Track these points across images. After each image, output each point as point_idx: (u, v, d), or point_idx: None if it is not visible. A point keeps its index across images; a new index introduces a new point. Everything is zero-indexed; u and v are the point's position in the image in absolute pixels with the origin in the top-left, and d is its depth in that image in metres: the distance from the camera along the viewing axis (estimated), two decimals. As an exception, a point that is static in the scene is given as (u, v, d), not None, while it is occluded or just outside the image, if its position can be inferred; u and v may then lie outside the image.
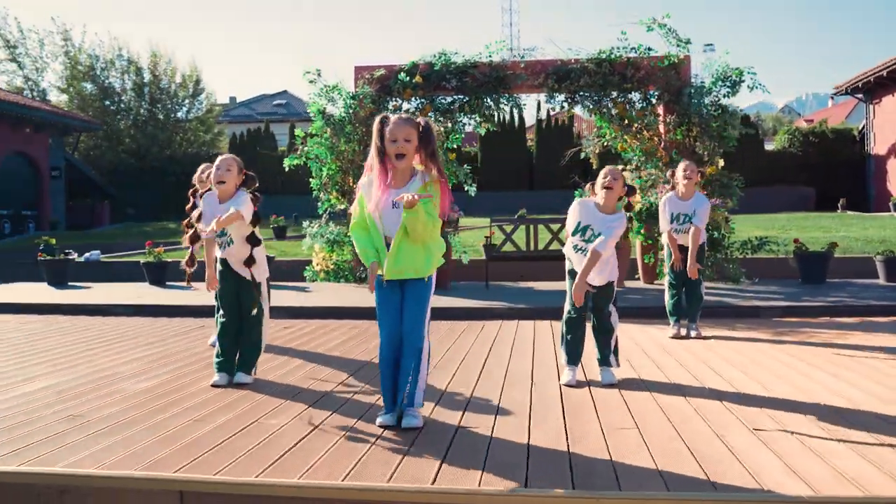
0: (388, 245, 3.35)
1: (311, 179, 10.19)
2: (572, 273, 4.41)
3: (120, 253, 15.09)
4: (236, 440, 3.19)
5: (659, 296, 6.86)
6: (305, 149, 10.04)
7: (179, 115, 31.82)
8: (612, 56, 9.71)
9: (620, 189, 4.25)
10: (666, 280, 6.26)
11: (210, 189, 4.42)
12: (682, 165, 6.08)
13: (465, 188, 10.20)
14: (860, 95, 25.43)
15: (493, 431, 3.31)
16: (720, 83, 9.46)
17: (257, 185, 4.48)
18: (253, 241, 4.36)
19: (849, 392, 4.01)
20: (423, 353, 3.42)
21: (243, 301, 4.36)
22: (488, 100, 10.04)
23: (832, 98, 43.85)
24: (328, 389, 4.22)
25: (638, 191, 9.58)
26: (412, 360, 3.37)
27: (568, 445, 3.09)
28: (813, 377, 4.42)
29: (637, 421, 3.47)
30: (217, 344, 4.41)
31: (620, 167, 9.86)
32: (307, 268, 10.68)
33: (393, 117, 3.35)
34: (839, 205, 23.02)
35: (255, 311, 4.35)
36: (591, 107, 9.98)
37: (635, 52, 9.75)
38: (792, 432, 3.23)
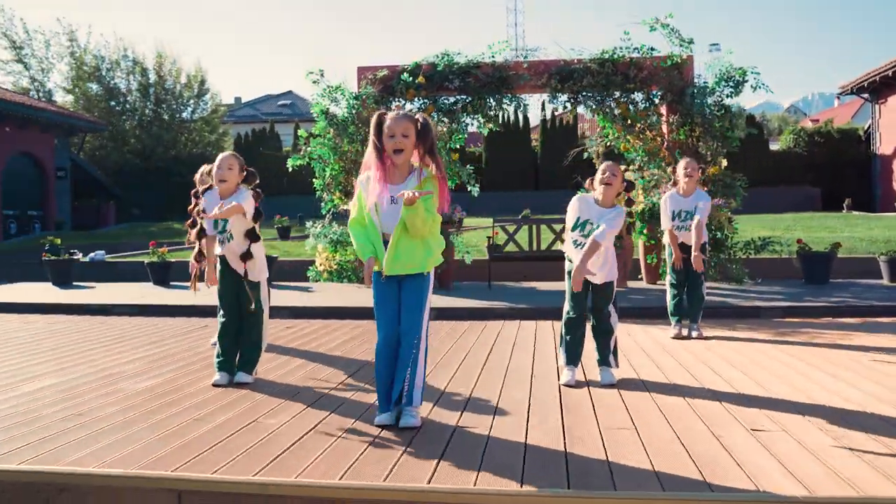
0: (385, 242, 3.36)
1: (314, 180, 10.22)
2: (571, 274, 4.41)
3: (125, 253, 15.15)
4: (235, 439, 3.21)
5: (661, 296, 6.87)
6: (308, 149, 10.07)
7: (184, 115, 31.89)
8: (615, 56, 9.71)
9: (619, 185, 4.27)
10: (667, 280, 6.26)
11: (211, 187, 4.43)
12: (682, 163, 6.08)
13: (469, 188, 10.22)
14: (866, 95, 25.32)
15: (490, 431, 3.32)
16: (723, 83, 9.45)
17: (258, 181, 4.49)
18: (252, 236, 4.38)
19: (847, 392, 4.01)
20: (421, 350, 3.42)
21: (243, 301, 4.38)
22: (491, 100, 10.05)
23: (838, 98, 43.67)
24: (328, 389, 4.24)
25: (637, 186, 9.59)
26: (409, 358, 3.37)
27: (565, 445, 3.09)
28: (812, 377, 4.41)
29: (635, 421, 3.47)
30: (217, 344, 4.43)
31: (623, 167, 9.90)
32: (310, 268, 10.72)
33: (390, 114, 3.37)
34: (845, 205, 22.95)
35: (252, 306, 4.35)
36: (593, 107, 9.99)
37: (638, 52, 9.75)
38: (789, 433, 3.23)
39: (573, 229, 4.31)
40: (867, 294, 8.26)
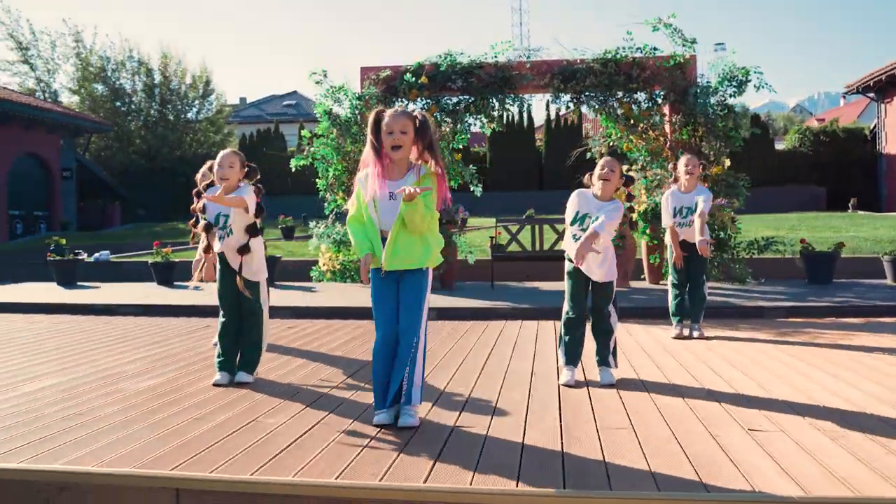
0: (383, 240, 3.37)
1: (317, 180, 10.24)
2: (571, 274, 4.42)
3: (129, 253, 15.20)
4: (234, 438, 3.22)
5: (663, 296, 6.87)
6: (312, 149, 10.09)
7: (189, 115, 32.01)
8: (618, 56, 9.71)
9: (617, 180, 4.29)
10: (669, 280, 6.25)
11: (213, 184, 4.45)
12: (683, 160, 6.08)
13: (471, 188, 10.23)
14: (872, 95, 25.24)
15: (488, 431, 3.33)
16: (726, 83, 9.44)
17: (259, 176, 4.52)
18: (252, 231, 4.40)
19: (847, 392, 4.00)
20: (420, 349, 3.43)
21: (243, 301, 4.39)
22: (494, 100, 10.06)
23: (844, 97, 43.56)
24: (327, 389, 4.25)
25: (639, 185, 9.58)
26: (408, 357, 3.38)
27: (562, 445, 3.10)
28: (812, 377, 4.41)
29: (633, 421, 3.47)
30: (218, 344, 4.45)
31: (626, 167, 9.89)
32: (313, 268, 10.74)
33: (389, 111, 3.39)
34: (850, 204, 22.88)
35: (248, 293, 4.35)
36: (596, 107, 9.99)
37: (641, 52, 9.74)
38: (787, 433, 3.23)
39: (572, 223, 4.33)
40: (870, 294, 8.24)
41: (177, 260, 11.14)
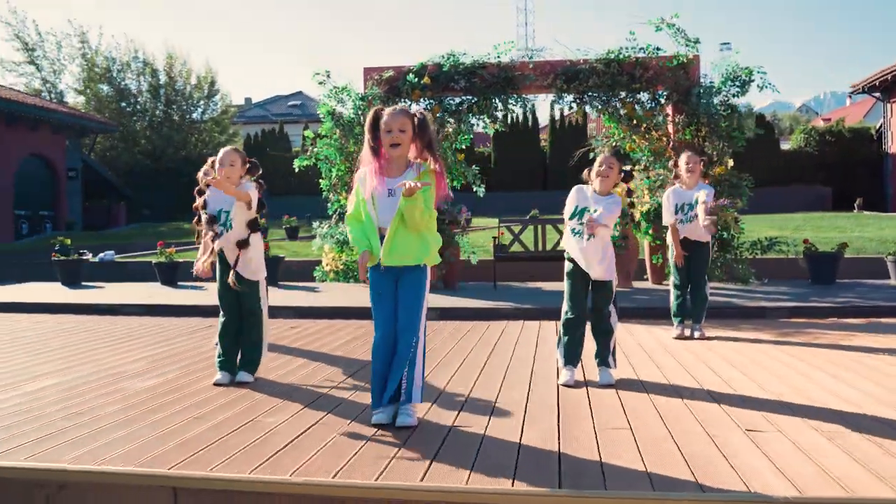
0: (382, 238, 3.38)
1: (320, 180, 10.27)
2: (570, 274, 4.43)
3: (134, 253, 15.27)
4: (233, 437, 3.24)
5: (666, 296, 6.86)
6: (315, 150, 10.12)
7: (194, 116, 32.09)
8: (621, 56, 9.70)
9: (616, 176, 4.33)
10: (671, 280, 6.26)
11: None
12: (684, 157, 6.09)
13: (474, 189, 10.24)
14: (878, 94, 25.16)
15: (486, 431, 3.34)
16: (729, 83, 9.43)
17: (260, 171, 4.54)
18: (253, 226, 4.42)
19: (846, 392, 4.00)
20: (419, 348, 3.44)
21: (243, 301, 4.41)
22: (497, 100, 10.06)
23: (850, 97, 43.40)
24: (327, 389, 4.27)
25: (642, 186, 9.58)
26: (407, 356, 3.39)
27: (559, 445, 3.11)
28: (812, 378, 4.41)
29: (631, 421, 3.48)
30: (218, 344, 4.47)
31: (629, 167, 9.89)
32: (317, 268, 10.77)
33: (387, 110, 3.40)
34: (856, 204, 22.81)
35: (232, 279, 4.35)
36: (599, 107, 9.98)
37: (644, 52, 9.73)
38: (785, 433, 3.23)
39: (571, 217, 4.36)
40: (873, 294, 8.23)
41: (180, 260, 11.18)
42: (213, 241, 4.38)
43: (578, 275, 4.41)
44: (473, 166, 10.32)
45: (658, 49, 9.75)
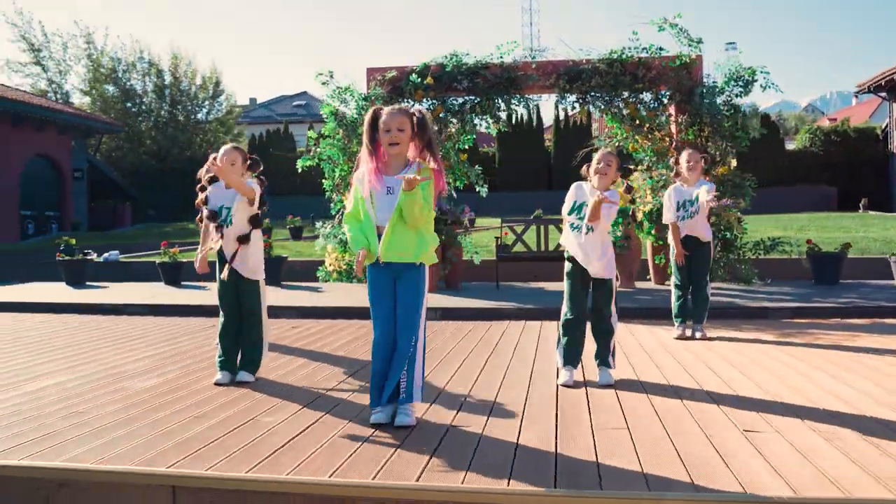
0: (379, 236, 3.40)
1: (324, 180, 10.29)
2: (570, 274, 4.44)
3: (139, 253, 15.32)
4: (232, 436, 3.26)
5: (668, 296, 6.82)
6: (318, 150, 10.14)
7: (199, 116, 32.23)
8: (624, 56, 9.69)
9: (614, 174, 4.36)
10: (672, 281, 6.25)
11: (215, 177, 4.49)
12: (685, 154, 6.10)
13: (477, 189, 10.24)
14: (884, 94, 25.07)
15: (484, 430, 3.34)
16: (732, 83, 9.41)
17: (262, 167, 4.56)
18: (255, 222, 4.44)
19: (846, 393, 3.99)
20: (419, 348, 3.45)
21: (243, 301, 4.43)
22: (500, 100, 10.07)
23: (856, 96, 43.26)
24: (327, 388, 4.29)
25: (645, 186, 9.57)
26: (407, 356, 3.40)
27: (556, 445, 3.12)
28: (812, 378, 4.40)
29: (629, 422, 3.48)
30: (218, 343, 4.49)
31: (632, 167, 9.88)
32: (320, 268, 10.79)
33: (386, 109, 3.42)
34: (861, 204, 22.76)
35: (224, 275, 4.38)
36: (602, 107, 9.97)
37: (646, 52, 9.72)
38: (782, 434, 3.23)
39: (570, 213, 4.38)
40: (876, 295, 8.20)
41: (184, 260, 11.21)
42: (216, 230, 4.39)
43: (578, 274, 4.42)
44: (476, 166, 10.32)
45: (661, 49, 9.74)
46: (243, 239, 4.39)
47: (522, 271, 10.87)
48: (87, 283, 11.50)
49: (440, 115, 10.04)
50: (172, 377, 4.62)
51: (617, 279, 4.56)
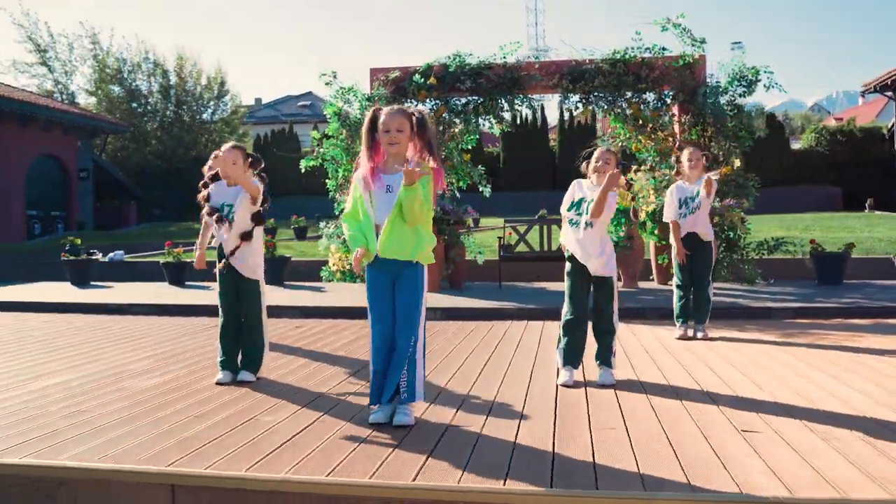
0: (378, 236, 3.41)
1: (327, 181, 10.31)
2: (570, 273, 4.45)
3: (144, 253, 15.38)
4: (232, 435, 3.27)
5: (671, 296, 6.83)
6: (322, 150, 10.16)
7: (205, 116, 32.29)
8: (627, 56, 9.69)
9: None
10: (674, 281, 6.25)
11: (217, 175, 4.52)
12: (686, 152, 6.10)
13: (480, 189, 10.25)
14: (889, 93, 24.98)
15: (482, 430, 3.35)
16: (736, 82, 9.40)
17: (263, 165, 4.59)
18: (257, 219, 4.46)
19: (845, 393, 3.99)
20: (419, 347, 3.46)
21: (243, 300, 4.44)
22: (503, 101, 10.07)
23: (862, 96, 43.09)
24: (327, 388, 4.30)
25: (632, 170, 9.57)
26: (406, 356, 3.42)
27: (554, 445, 3.12)
28: (812, 378, 4.40)
29: (627, 422, 3.49)
30: (219, 343, 4.51)
31: (634, 167, 9.88)
32: (323, 268, 10.81)
33: (385, 109, 3.44)
34: (867, 204, 22.68)
35: (218, 269, 4.40)
36: (605, 107, 9.97)
37: (650, 52, 9.71)
38: (781, 434, 3.23)
39: (569, 209, 4.40)
40: (880, 295, 8.18)
41: (188, 260, 11.25)
42: (217, 222, 4.40)
43: (579, 274, 4.42)
44: (479, 166, 10.33)
45: (664, 49, 9.74)
46: (246, 236, 4.41)
47: (525, 271, 10.87)
48: (92, 282, 11.55)
49: (443, 115, 10.05)
50: (174, 376, 4.64)
51: (619, 279, 4.57)
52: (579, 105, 10.28)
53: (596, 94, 9.90)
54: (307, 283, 10.89)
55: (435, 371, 4.73)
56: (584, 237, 4.33)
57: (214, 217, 4.39)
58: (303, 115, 41.06)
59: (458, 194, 10.16)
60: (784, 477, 2.68)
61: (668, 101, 9.86)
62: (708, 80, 9.67)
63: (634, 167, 9.90)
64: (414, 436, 3.26)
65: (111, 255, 13.93)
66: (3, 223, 20.99)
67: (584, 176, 4.56)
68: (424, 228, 3.46)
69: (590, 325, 4.52)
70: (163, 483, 2.78)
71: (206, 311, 8.11)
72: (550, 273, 10.57)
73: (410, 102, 10.15)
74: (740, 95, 9.45)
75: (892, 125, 25.59)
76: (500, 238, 10.22)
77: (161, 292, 9.84)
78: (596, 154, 4.39)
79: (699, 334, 6.00)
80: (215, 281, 4.59)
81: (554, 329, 6.56)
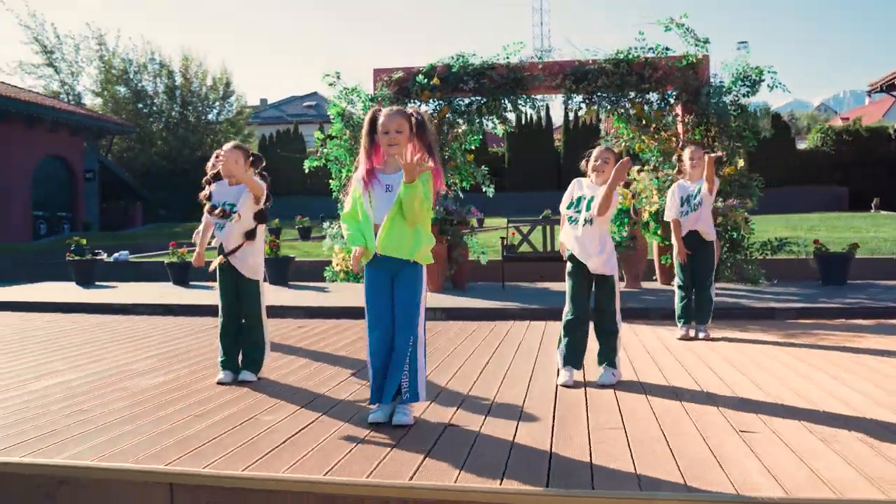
0: (377, 235, 3.42)
1: (331, 181, 10.33)
2: (571, 273, 4.45)
3: (149, 253, 15.43)
4: (231, 435, 3.29)
5: (673, 297, 6.83)
6: (325, 151, 10.18)
7: (210, 117, 32.38)
8: (630, 56, 9.68)
9: (611, 170, 4.34)
10: (675, 282, 6.24)
11: (219, 174, 4.53)
12: (688, 151, 6.10)
13: (484, 189, 10.25)
14: (895, 93, 24.90)
15: (481, 429, 3.36)
16: (739, 82, 9.38)
17: (264, 164, 4.61)
18: (260, 217, 4.47)
19: (845, 394, 3.98)
20: (419, 347, 3.47)
21: (242, 300, 4.46)
22: (506, 101, 10.07)
23: (869, 95, 42.93)
24: (327, 388, 4.31)
25: (651, 186, 9.55)
26: (406, 356, 3.43)
27: (552, 445, 3.13)
28: (812, 379, 4.39)
29: (626, 422, 3.49)
30: (219, 343, 4.53)
31: (637, 167, 9.87)
32: (327, 268, 10.83)
33: (385, 110, 3.45)
34: (873, 204, 22.59)
35: (212, 267, 4.42)
36: (608, 107, 9.96)
37: (653, 52, 9.70)
38: (779, 435, 3.23)
39: (568, 207, 4.41)
40: (883, 295, 8.15)
41: (192, 260, 11.29)
42: (220, 216, 4.40)
43: (580, 274, 4.42)
44: (483, 166, 10.33)
45: (667, 49, 9.72)
46: (249, 234, 4.43)
47: (528, 271, 10.87)
48: (97, 282, 11.60)
49: (447, 115, 10.06)
50: (176, 376, 4.66)
51: (622, 279, 4.57)
52: (583, 105, 10.26)
53: (599, 94, 9.89)
54: (311, 283, 10.92)
55: (436, 371, 4.74)
56: (582, 234, 4.33)
57: (218, 211, 4.40)
58: (308, 115, 41.14)
59: (461, 195, 10.17)
60: (781, 477, 2.68)
61: (672, 101, 9.84)
62: (711, 80, 9.65)
63: (637, 167, 9.89)
64: (412, 435, 3.27)
65: (116, 255, 13.99)
66: (8, 223, 21.09)
67: (585, 175, 4.56)
68: (424, 228, 3.47)
69: (592, 325, 4.52)
70: (161, 482, 2.80)
71: (210, 310, 8.10)
72: (554, 273, 10.56)
73: (414, 103, 10.16)
74: (744, 95, 9.43)
75: (899, 125, 25.50)
76: (503, 238, 10.22)
77: (165, 292, 9.88)
78: (595, 153, 4.40)
79: (701, 335, 5.99)
80: (216, 281, 4.61)
81: (556, 329, 6.56)
